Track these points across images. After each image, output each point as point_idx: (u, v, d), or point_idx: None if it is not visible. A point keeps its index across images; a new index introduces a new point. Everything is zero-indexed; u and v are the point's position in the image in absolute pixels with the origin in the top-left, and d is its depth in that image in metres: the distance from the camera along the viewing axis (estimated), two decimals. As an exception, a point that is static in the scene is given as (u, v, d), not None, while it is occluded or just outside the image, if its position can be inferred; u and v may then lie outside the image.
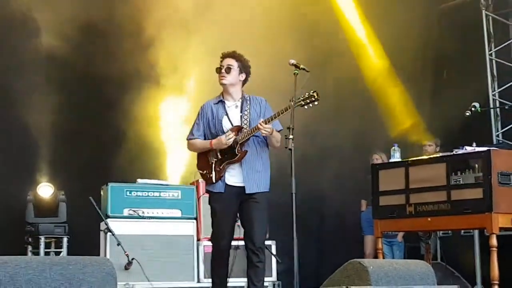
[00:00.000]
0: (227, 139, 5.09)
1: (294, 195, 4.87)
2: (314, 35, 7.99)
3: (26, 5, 7.15)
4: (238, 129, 5.16)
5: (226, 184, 5.14)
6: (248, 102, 5.22)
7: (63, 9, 7.10)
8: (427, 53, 8.96)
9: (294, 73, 4.97)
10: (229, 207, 5.14)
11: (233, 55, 5.21)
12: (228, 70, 5.17)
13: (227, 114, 5.20)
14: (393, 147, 6.15)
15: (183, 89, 7.66)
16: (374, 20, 8.72)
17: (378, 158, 7.58)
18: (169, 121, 7.64)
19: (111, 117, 7.54)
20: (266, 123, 5.01)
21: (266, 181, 5.22)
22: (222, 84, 5.21)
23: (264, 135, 5.08)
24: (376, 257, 6.23)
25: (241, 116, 5.19)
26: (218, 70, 5.19)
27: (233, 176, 5.15)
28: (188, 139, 5.33)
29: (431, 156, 6.23)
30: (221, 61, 5.22)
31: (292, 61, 5.01)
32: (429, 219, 5.64)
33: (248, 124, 5.14)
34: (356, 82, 8.46)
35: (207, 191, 5.30)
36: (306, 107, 4.93)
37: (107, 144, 7.51)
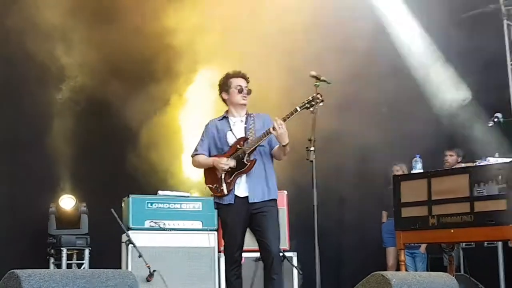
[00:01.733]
0: (225, 164, 5.13)
1: (315, 207, 4.87)
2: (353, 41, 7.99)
3: (53, 53, 7.30)
4: (243, 140, 5.20)
5: (235, 196, 5.17)
6: (252, 117, 5.30)
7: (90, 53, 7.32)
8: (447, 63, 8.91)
9: (315, 85, 4.99)
10: (239, 218, 5.15)
11: (246, 76, 5.31)
12: (250, 92, 5.28)
13: (231, 129, 5.26)
14: (414, 158, 6.11)
15: (206, 101, 7.68)
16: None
17: (398, 170, 7.53)
18: (190, 133, 7.65)
19: (133, 129, 7.57)
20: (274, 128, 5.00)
21: (273, 189, 5.22)
22: (242, 104, 5.28)
23: (279, 133, 4.99)
24: (398, 269, 6.18)
25: (245, 127, 5.25)
26: (240, 90, 5.25)
27: (241, 188, 5.18)
28: (193, 155, 5.39)
29: (454, 167, 6.18)
30: (235, 80, 5.27)
31: (313, 73, 5.03)
32: (452, 231, 5.59)
33: (253, 135, 5.19)
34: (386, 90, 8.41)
35: (216, 204, 5.31)
36: (312, 108, 4.94)
37: (129, 156, 7.53)
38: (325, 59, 7.15)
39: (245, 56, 7.14)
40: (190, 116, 7.85)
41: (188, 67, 7.76)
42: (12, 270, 3.46)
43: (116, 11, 7.56)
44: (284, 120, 5.03)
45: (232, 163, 5.15)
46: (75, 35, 7.45)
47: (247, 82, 5.30)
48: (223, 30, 7.69)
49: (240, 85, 5.25)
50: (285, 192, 7.06)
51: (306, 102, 4.95)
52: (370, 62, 8.18)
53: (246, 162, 5.15)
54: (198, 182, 7.55)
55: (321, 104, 4.93)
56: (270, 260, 5.05)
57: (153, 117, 7.67)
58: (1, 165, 6.16)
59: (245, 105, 5.28)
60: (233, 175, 5.18)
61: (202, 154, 5.35)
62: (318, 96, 4.93)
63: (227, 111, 5.37)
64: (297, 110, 4.99)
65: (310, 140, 4.91)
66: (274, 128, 4.98)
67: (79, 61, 7.45)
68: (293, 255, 6.91)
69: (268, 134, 5.06)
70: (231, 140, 5.25)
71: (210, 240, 6.80)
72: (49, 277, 3.51)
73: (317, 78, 5.02)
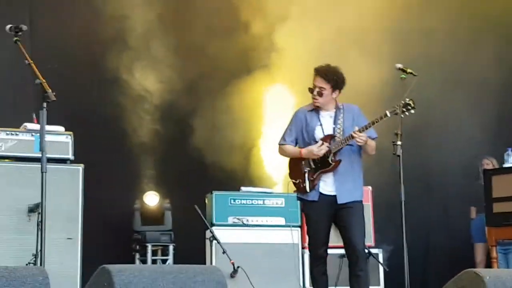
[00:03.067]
0: (318, 150, 5.06)
1: (403, 203, 4.79)
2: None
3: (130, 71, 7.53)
4: (330, 138, 5.13)
5: (320, 193, 5.12)
6: (342, 111, 5.18)
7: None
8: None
9: (401, 78, 4.91)
10: (323, 215, 5.11)
11: (325, 75, 5.10)
12: (320, 94, 5.12)
13: (320, 123, 5.18)
14: (506, 152, 5.91)
15: (288, 95, 7.65)
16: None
17: (488, 163, 7.28)
18: (273, 128, 7.63)
19: (214, 125, 7.61)
20: (360, 132, 4.97)
21: (360, 190, 5.17)
22: (315, 106, 5.18)
23: (358, 144, 5.03)
24: (488, 265, 5.98)
25: (334, 127, 5.15)
26: (310, 91, 5.15)
27: (327, 185, 5.12)
28: (280, 144, 5.35)
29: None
30: (314, 78, 5.14)
31: (399, 65, 4.95)
32: (548, 226, 5.36)
33: (341, 133, 5.11)
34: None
35: (300, 199, 5.30)
36: (402, 115, 4.87)
37: (211, 152, 7.57)
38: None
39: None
40: (271, 111, 7.83)
41: (268, 62, 7.73)
42: (104, 266, 3.52)
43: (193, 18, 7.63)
44: (373, 123, 4.98)
45: (324, 150, 5.06)
46: (159, 47, 7.57)
47: (325, 81, 5.10)
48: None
49: (313, 85, 5.15)
50: (370, 187, 6.95)
51: (397, 108, 4.86)
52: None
53: (331, 162, 5.08)
54: (280, 178, 7.54)
55: (412, 111, 4.85)
56: (355, 256, 5.02)
57: (234, 114, 7.68)
58: (90, 165, 6.30)
59: (318, 106, 5.16)
60: (317, 173, 5.13)
61: (289, 144, 5.29)
62: (411, 103, 4.86)
63: None
64: (386, 115, 4.92)
65: (396, 134, 4.84)
66: (353, 137, 4.95)
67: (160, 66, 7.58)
68: (378, 251, 6.83)
69: (351, 139, 5.00)
70: (319, 135, 5.18)
71: (293, 236, 6.75)
72: (139, 272, 3.56)
73: (403, 71, 4.93)
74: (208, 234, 6.63)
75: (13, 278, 3.21)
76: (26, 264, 5.36)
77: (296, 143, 5.28)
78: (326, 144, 5.09)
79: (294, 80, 7.39)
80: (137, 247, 7.22)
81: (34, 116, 6.06)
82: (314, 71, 5.17)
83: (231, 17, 7.74)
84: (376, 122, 4.97)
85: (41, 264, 4.58)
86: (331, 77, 5.10)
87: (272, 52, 7.69)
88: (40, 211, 4.84)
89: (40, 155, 4.74)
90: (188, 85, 7.67)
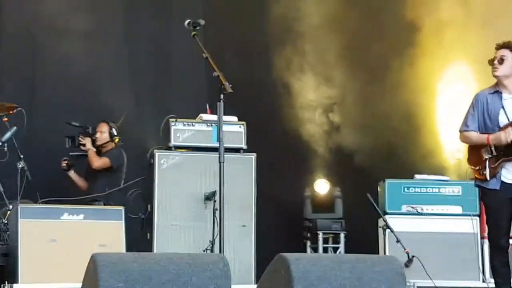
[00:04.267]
0: (507, 136, 4.78)
1: None
2: None
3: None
4: None
5: (502, 182, 4.86)
6: None
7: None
8: None
9: None
10: (505, 204, 4.86)
11: (508, 45, 4.91)
12: (501, 61, 4.88)
13: (503, 107, 4.89)
14: None
15: (463, 79, 7.35)
16: None
17: None
18: (449, 112, 7.37)
19: (387, 113, 7.47)
20: None
21: None
22: (494, 76, 4.93)
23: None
24: None
25: None
26: (491, 62, 4.93)
27: (510, 174, 4.85)
28: (462, 130, 5.09)
29: None
30: (495, 53, 4.95)
31: None
32: None
33: None
34: None
35: (479, 186, 5.07)
36: None
37: (382, 140, 7.45)
38: None
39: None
40: (444, 95, 7.54)
41: (442, 47, 7.46)
42: (281, 254, 3.54)
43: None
44: None
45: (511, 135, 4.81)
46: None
47: (508, 50, 4.87)
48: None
49: (491, 59, 4.94)
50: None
51: None
52: None
53: None
54: (456, 164, 7.28)
55: None
56: None
57: (406, 101, 7.47)
58: (261, 155, 6.43)
59: (497, 76, 4.91)
60: (499, 161, 4.86)
61: (473, 131, 5.04)
62: None
63: (497, 83, 4.99)
64: None
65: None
66: None
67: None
68: None
69: None
70: (502, 120, 4.91)
71: (471, 225, 6.51)
72: (316, 261, 3.56)
73: None
74: (381, 222, 6.54)
75: (196, 265, 3.32)
76: (204, 251, 5.55)
77: (479, 129, 5.02)
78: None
79: (470, 63, 7.13)
80: (308, 234, 7.26)
81: (208, 106, 6.25)
82: (496, 45, 4.98)
83: (399, 16, 7.55)
84: None
85: (220, 251, 4.72)
86: (503, 47, 4.92)
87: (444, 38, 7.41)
88: (216, 199, 4.98)
89: (215, 145, 4.87)
90: (354, 77, 7.59)
